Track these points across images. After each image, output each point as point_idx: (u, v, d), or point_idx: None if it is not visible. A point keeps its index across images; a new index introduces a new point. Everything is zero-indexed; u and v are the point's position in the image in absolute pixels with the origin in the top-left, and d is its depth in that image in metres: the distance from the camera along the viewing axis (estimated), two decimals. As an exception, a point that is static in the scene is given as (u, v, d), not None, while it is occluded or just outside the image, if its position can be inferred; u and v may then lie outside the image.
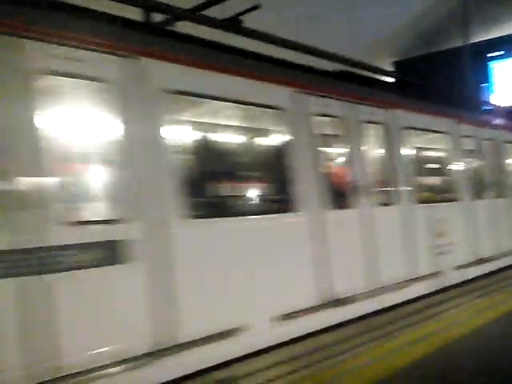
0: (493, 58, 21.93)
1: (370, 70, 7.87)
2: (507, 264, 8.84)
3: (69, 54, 3.67)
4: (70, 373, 3.34)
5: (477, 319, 5.37)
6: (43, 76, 3.58)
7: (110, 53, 3.92)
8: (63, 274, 3.39)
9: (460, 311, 5.78)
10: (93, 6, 4.45)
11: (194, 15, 5.31)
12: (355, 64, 7.21)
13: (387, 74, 9.81)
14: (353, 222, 5.85)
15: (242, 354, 4.21)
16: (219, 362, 4.04)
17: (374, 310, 5.77)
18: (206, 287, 4.21)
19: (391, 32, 21.75)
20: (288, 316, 4.76)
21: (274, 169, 5.59)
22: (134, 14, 4.81)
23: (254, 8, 5.56)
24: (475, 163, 9.12)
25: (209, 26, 5.25)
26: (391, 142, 6.91)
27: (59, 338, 3.35)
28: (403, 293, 6.29)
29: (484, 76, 21.81)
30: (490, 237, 8.54)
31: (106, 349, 3.56)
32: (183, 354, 3.91)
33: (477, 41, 19.30)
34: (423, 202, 7.22)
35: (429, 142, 8.84)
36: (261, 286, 4.60)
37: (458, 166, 8.42)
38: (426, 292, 6.69)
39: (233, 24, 5.44)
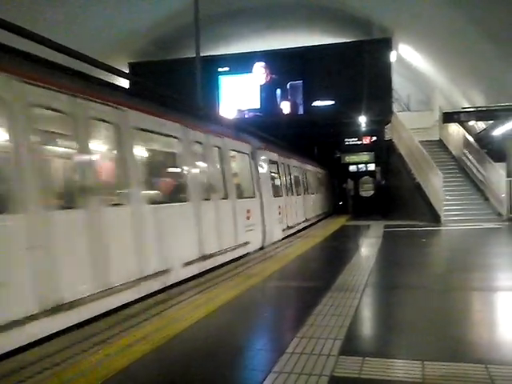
0: (221, 73, 24.18)
1: (106, 70, 7.66)
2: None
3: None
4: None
5: (196, 313, 5.75)
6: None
7: None
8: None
9: (181, 307, 6.09)
10: None
11: None
12: (89, 61, 6.94)
13: (124, 76, 9.74)
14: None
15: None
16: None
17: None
18: None
19: (127, 34, 21.88)
20: None
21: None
22: None
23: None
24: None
25: None
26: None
27: None
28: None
29: (213, 88, 23.87)
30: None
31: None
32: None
33: (208, 54, 20.98)
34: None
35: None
36: None
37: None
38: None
39: None
